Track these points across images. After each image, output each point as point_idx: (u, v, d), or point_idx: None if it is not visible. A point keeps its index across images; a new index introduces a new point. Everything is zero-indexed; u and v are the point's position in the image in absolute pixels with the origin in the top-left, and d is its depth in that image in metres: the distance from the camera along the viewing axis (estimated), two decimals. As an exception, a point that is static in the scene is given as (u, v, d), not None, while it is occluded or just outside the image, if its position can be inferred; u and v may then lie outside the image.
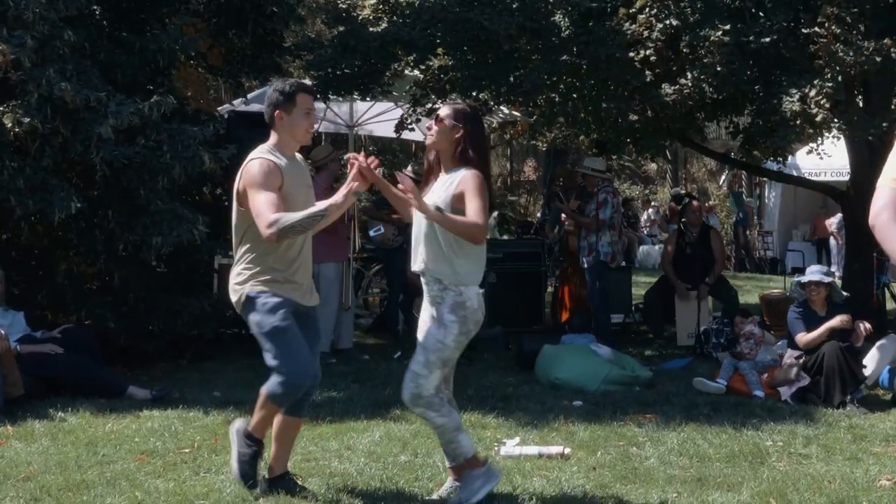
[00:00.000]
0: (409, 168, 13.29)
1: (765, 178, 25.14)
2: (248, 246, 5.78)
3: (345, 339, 11.47)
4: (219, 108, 14.93)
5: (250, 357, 10.50)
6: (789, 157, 16.75)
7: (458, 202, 5.62)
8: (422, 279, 5.80)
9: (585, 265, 12.01)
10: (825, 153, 13.17)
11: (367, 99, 13.53)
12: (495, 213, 19.49)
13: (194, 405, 8.38)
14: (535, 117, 13.78)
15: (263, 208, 5.52)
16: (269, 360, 5.70)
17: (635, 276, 16.24)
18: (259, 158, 5.70)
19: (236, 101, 14.67)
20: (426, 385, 5.66)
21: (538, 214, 23.71)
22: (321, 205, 5.62)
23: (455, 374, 6.01)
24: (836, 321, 9.10)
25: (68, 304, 9.70)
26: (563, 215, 13.23)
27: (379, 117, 14.35)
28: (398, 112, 13.38)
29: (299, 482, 6.03)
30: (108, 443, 7.20)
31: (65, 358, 8.84)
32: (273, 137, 5.87)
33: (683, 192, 26.53)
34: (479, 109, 6.08)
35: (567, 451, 7.03)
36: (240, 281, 5.79)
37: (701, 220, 13.04)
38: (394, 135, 13.40)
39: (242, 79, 13.22)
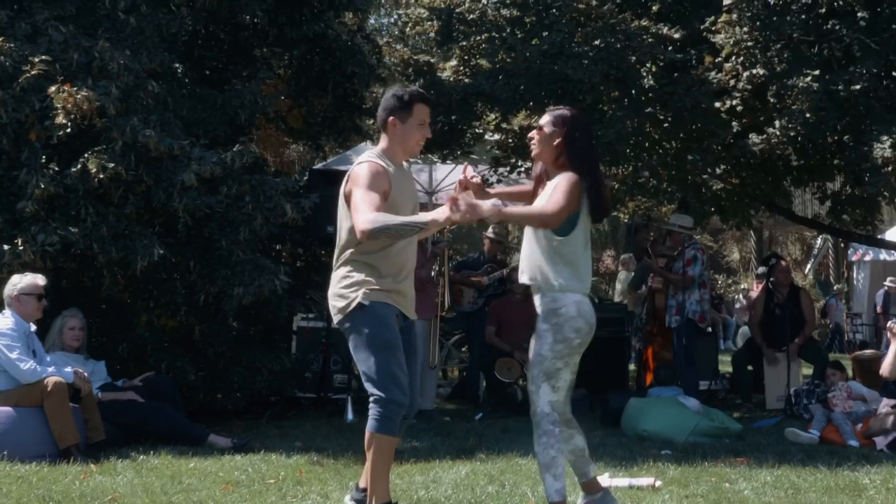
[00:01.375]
0: (490, 230, 13.18)
1: (853, 260, 24.78)
2: (357, 248, 5.56)
3: (427, 400, 11.22)
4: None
5: (329, 416, 10.44)
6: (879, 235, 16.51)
7: None
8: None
9: (673, 324, 11.72)
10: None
11: (448, 162, 13.43)
12: None
13: (276, 451, 8.23)
14: (616, 186, 13.63)
15: (364, 205, 5.36)
16: (369, 376, 5.48)
17: (723, 357, 15.87)
18: (368, 161, 5.58)
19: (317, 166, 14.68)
20: (538, 401, 5.54)
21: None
22: (423, 216, 5.45)
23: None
24: None
25: (148, 356, 9.58)
26: (650, 273, 12.95)
27: (458, 183, 14.24)
28: (477, 179, 13.29)
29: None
30: (193, 476, 7.11)
31: (146, 406, 8.78)
32: (383, 142, 5.77)
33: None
34: (583, 114, 5.91)
35: (658, 483, 6.86)
36: (348, 284, 5.56)
37: (790, 279, 12.70)
38: (474, 199, 13.27)
39: (322, 141, 13.26)
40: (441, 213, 5.32)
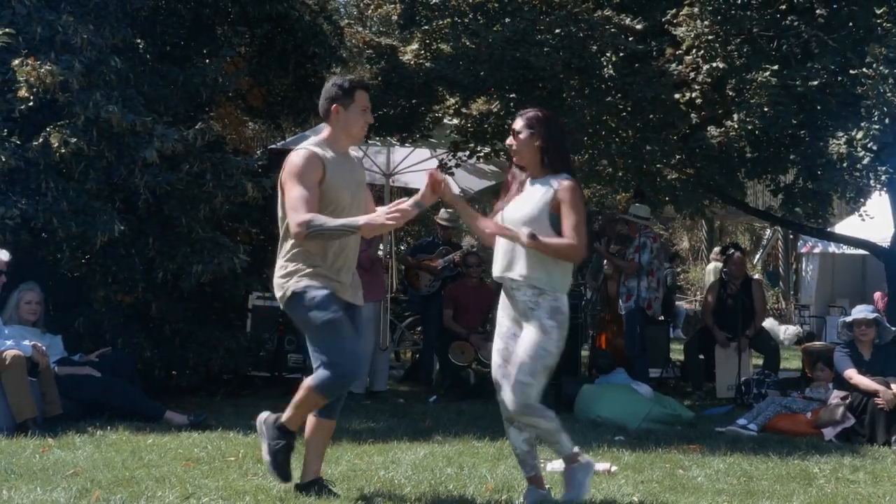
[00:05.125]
0: (443, 213, 13.18)
1: (802, 252, 24.98)
2: (292, 240, 5.66)
3: (379, 382, 11.34)
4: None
5: (284, 396, 10.45)
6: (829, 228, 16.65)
7: (555, 209, 5.61)
8: (508, 288, 5.75)
9: (624, 311, 11.86)
10: (867, 215, 13.02)
11: (406, 144, 13.44)
12: None
13: (233, 428, 8.27)
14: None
15: (298, 204, 5.48)
16: (318, 354, 5.60)
17: (674, 345, 16.01)
18: (302, 149, 5.67)
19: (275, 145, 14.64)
20: (533, 393, 5.63)
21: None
22: (358, 219, 5.51)
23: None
24: (889, 395, 8.91)
25: (105, 331, 9.59)
26: (605, 261, 13.08)
27: (416, 167, 14.24)
28: (435, 162, 13.32)
29: (333, 489, 5.87)
30: (152, 451, 7.16)
31: (102, 381, 8.79)
32: (325, 131, 5.84)
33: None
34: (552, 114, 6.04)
35: (614, 468, 6.98)
36: (283, 275, 5.70)
37: (744, 271, 12.83)
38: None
39: (281, 120, 13.24)
40: (376, 218, 5.45)
